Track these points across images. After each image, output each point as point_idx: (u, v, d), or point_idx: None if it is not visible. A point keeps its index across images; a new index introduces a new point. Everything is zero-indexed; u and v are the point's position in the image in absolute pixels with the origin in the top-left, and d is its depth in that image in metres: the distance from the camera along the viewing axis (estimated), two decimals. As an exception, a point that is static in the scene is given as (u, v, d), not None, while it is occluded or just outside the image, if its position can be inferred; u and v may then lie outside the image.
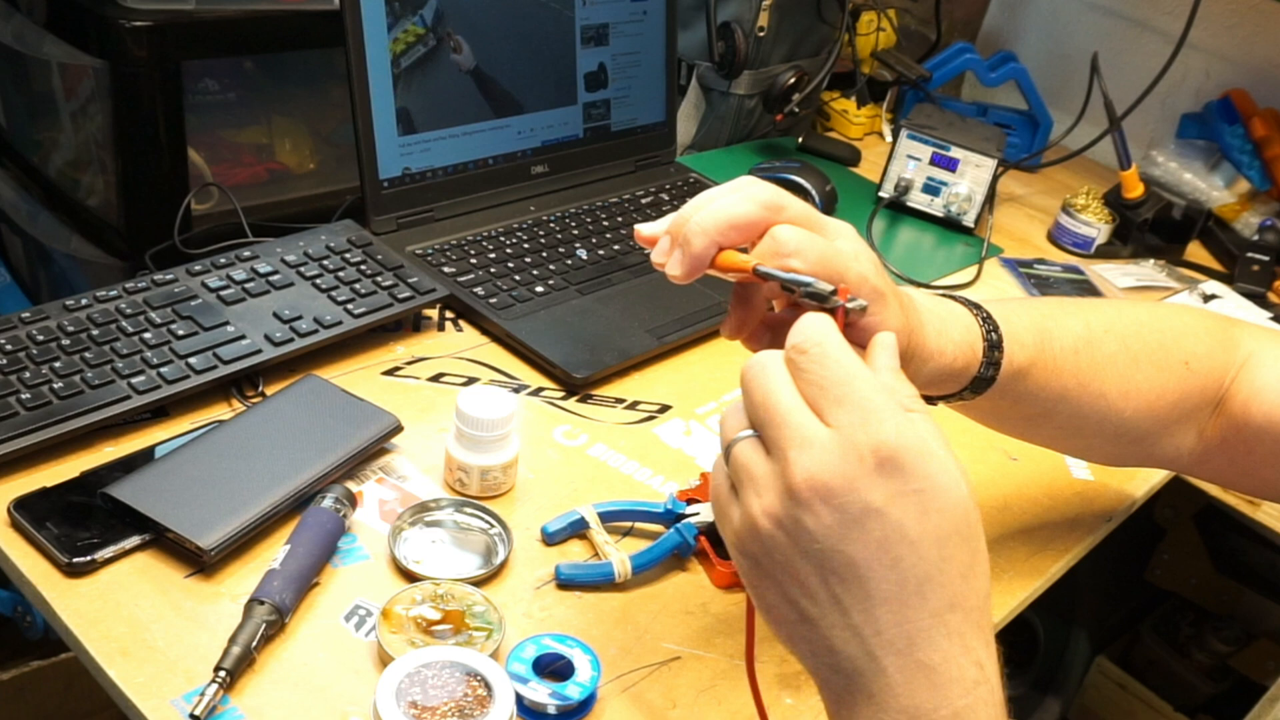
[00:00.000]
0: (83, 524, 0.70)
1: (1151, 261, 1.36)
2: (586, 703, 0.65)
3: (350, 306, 0.91)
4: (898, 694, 0.45)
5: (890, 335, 0.51)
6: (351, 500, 0.74)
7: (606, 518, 0.78)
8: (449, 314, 1.00)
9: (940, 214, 1.34)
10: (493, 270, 1.03)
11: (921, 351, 0.63)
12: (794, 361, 0.47)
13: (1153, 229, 1.38)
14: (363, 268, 0.95)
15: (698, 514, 0.78)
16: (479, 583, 0.72)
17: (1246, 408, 0.74)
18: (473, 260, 1.04)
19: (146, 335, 0.83)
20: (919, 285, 1.19)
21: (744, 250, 0.58)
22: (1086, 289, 1.28)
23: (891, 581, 0.45)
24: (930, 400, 0.71)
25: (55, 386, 0.77)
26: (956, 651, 0.45)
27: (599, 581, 0.74)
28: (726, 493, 0.50)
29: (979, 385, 0.69)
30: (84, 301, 0.84)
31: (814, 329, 0.48)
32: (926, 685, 0.44)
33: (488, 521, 0.76)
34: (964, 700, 0.44)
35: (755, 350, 0.61)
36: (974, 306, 0.69)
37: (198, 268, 0.91)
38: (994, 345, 0.68)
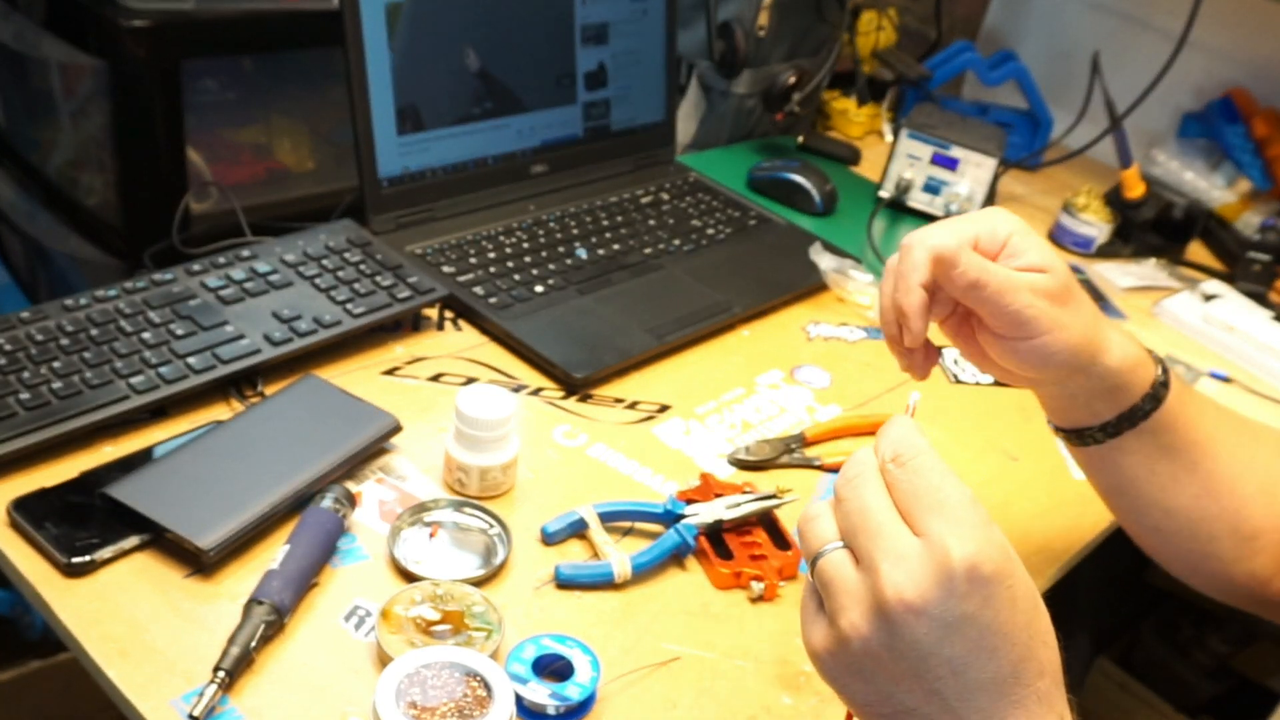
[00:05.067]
0: (82, 524, 0.70)
1: (1152, 261, 1.36)
2: (586, 703, 0.65)
3: (350, 306, 0.91)
4: None
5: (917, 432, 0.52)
6: (351, 500, 0.74)
7: (606, 518, 0.78)
8: (448, 314, 1.00)
9: (941, 213, 1.33)
10: (492, 270, 1.03)
11: (1101, 342, 0.67)
12: (890, 472, 0.49)
13: (1154, 228, 1.37)
14: (362, 267, 0.95)
15: (697, 514, 0.78)
16: (478, 583, 0.72)
17: None
18: (472, 260, 1.04)
19: (145, 335, 0.83)
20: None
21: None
22: (1087, 288, 1.27)
23: (989, 671, 0.46)
24: (1092, 439, 0.73)
25: (54, 386, 0.77)
26: (1044, 711, 0.47)
27: (599, 582, 0.74)
28: (814, 608, 0.51)
29: (1150, 402, 0.70)
30: (83, 301, 0.84)
31: (909, 440, 0.50)
32: None
33: (487, 521, 0.76)
34: None
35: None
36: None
37: (197, 267, 0.91)
38: (1160, 361, 0.71)
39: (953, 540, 0.46)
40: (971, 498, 0.48)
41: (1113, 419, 0.71)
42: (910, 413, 0.54)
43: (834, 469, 0.89)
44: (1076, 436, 0.74)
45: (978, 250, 0.65)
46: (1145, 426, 0.72)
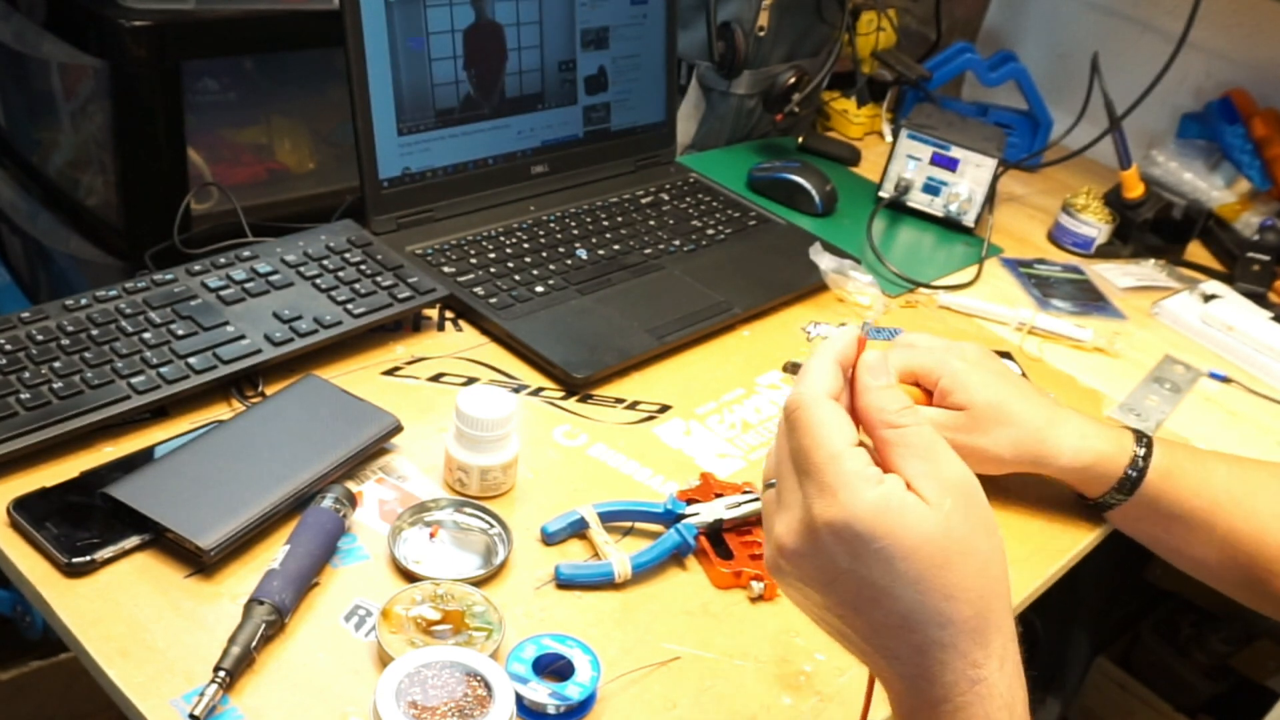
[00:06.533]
0: (82, 524, 0.70)
1: (1152, 261, 1.36)
2: (586, 703, 0.65)
3: (350, 306, 0.91)
4: (915, 694, 0.50)
5: (875, 354, 0.53)
6: (351, 500, 0.74)
7: (606, 518, 0.78)
8: (449, 314, 1.00)
9: (940, 214, 1.34)
10: (493, 270, 1.03)
11: (1045, 451, 0.79)
12: (780, 426, 0.52)
13: (1153, 229, 1.37)
14: (362, 268, 0.95)
15: (697, 514, 0.78)
16: (479, 583, 0.72)
17: None
18: (473, 260, 1.04)
19: (146, 335, 0.83)
20: (919, 285, 1.19)
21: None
22: (1086, 289, 1.27)
23: (878, 616, 0.49)
24: (1094, 506, 0.83)
25: (55, 386, 0.77)
26: (952, 658, 0.49)
27: (599, 581, 0.74)
28: None
29: (1127, 485, 0.79)
30: (84, 301, 0.84)
31: (802, 392, 0.50)
32: (929, 688, 0.49)
33: (488, 521, 0.76)
34: (963, 698, 0.49)
35: None
36: (1129, 429, 0.82)
37: (197, 268, 0.91)
38: (1142, 441, 0.79)
39: (817, 503, 0.48)
40: (836, 454, 0.48)
41: (1101, 496, 0.81)
42: (863, 332, 0.55)
43: None
44: (1087, 502, 0.84)
45: (920, 383, 0.77)
46: (1139, 497, 0.80)
